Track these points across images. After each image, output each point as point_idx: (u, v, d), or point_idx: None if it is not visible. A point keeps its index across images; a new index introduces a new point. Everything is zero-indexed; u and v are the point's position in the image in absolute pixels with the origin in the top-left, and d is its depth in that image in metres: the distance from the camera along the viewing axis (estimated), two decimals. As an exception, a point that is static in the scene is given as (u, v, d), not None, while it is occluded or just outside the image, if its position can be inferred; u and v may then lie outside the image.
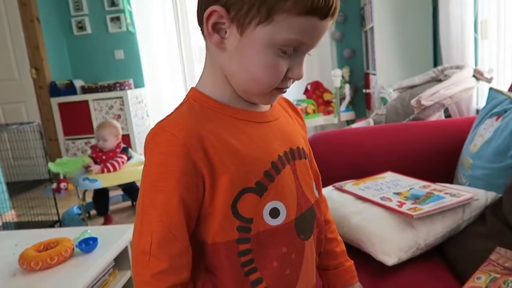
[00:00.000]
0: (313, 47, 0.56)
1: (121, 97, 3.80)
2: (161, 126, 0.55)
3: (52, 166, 2.45)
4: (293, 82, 0.58)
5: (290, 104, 0.69)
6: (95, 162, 2.54)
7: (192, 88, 0.60)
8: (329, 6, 0.51)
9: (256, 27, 0.52)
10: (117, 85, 3.87)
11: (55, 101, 3.89)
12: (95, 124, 3.85)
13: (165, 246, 0.53)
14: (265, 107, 0.62)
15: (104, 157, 2.55)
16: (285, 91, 0.59)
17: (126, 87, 3.90)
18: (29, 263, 1.12)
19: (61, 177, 2.47)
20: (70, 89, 3.96)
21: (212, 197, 0.55)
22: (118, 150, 2.60)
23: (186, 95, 0.61)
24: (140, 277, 0.54)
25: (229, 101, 0.58)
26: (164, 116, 0.58)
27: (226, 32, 0.54)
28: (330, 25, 0.55)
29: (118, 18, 4.05)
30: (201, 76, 0.61)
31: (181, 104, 0.59)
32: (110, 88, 3.87)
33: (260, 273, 0.58)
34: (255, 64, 0.54)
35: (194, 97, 0.59)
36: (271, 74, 0.54)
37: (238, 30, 0.53)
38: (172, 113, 0.58)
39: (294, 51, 0.54)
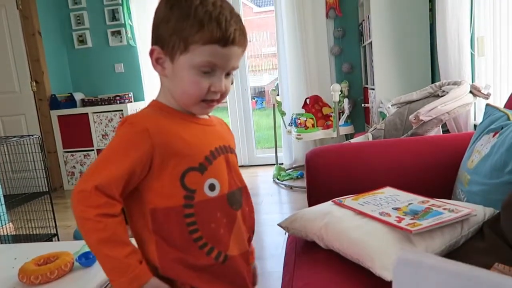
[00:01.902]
0: (229, 68, 0.77)
1: (121, 110, 3.82)
2: (132, 117, 0.77)
3: None
4: (221, 96, 0.79)
5: (226, 124, 0.94)
6: None
7: (153, 100, 0.83)
8: (227, 36, 0.73)
9: (180, 56, 0.75)
10: (117, 98, 3.89)
11: (55, 114, 3.91)
12: (94, 137, 3.87)
13: (103, 190, 0.70)
14: (205, 117, 0.85)
15: None
16: (214, 104, 0.80)
17: (126, 100, 3.93)
18: (29, 277, 1.12)
19: None
20: (70, 102, 3.98)
21: (160, 172, 0.74)
22: None
23: (148, 104, 0.83)
24: (81, 208, 0.70)
25: (179, 109, 0.80)
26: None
27: (164, 63, 0.77)
28: (238, 50, 0.76)
29: (119, 32, 4.09)
30: (159, 92, 0.83)
31: (145, 108, 0.82)
32: (110, 101, 3.89)
33: (201, 233, 0.77)
34: (184, 82, 0.76)
35: (155, 105, 0.82)
36: (196, 89, 0.76)
37: (170, 60, 0.76)
38: (140, 111, 0.80)
39: (213, 71, 0.76)
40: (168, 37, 0.74)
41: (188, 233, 0.76)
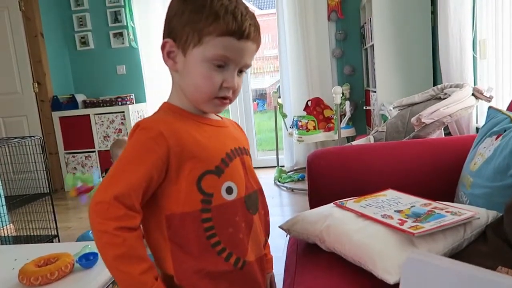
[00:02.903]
0: (242, 64, 0.75)
1: (123, 112, 3.83)
2: (145, 122, 0.74)
3: (69, 180, 2.17)
4: (233, 94, 0.77)
5: (238, 125, 0.93)
6: None
7: (164, 102, 0.81)
8: (242, 30, 0.71)
9: (193, 49, 0.73)
10: (119, 99, 3.89)
11: (56, 115, 3.91)
12: (96, 138, 3.87)
13: (121, 200, 0.68)
14: (217, 118, 0.84)
15: None
16: (227, 102, 0.78)
17: (128, 102, 3.93)
18: (29, 278, 1.11)
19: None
20: (72, 103, 3.99)
21: (177, 176, 0.72)
22: None
23: (160, 107, 0.81)
24: (99, 220, 0.68)
25: (191, 110, 0.79)
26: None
27: (176, 56, 0.75)
28: (252, 46, 0.75)
29: (121, 34, 4.10)
30: (170, 93, 0.81)
31: (157, 111, 0.80)
32: (111, 102, 3.90)
33: (219, 237, 0.75)
34: (196, 76, 0.74)
35: (167, 107, 0.80)
36: (208, 84, 0.74)
37: (183, 53, 0.74)
38: (153, 115, 0.78)
39: (226, 65, 0.74)
40: (181, 29, 0.73)
41: (206, 239, 0.74)
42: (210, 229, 0.74)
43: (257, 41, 0.76)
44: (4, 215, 2.55)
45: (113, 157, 2.27)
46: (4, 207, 2.61)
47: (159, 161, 0.70)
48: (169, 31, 0.75)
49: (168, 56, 0.76)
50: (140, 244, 0.70)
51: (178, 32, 0.73)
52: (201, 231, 0.73)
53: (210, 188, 0.74)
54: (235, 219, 0.77)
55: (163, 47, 0.75)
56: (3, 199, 2.65)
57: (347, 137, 3.56)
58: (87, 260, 1.22)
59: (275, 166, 3.88)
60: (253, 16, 0.74)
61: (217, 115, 0.85)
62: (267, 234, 0.89)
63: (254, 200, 0.82)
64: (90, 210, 0.69)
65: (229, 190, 0.76)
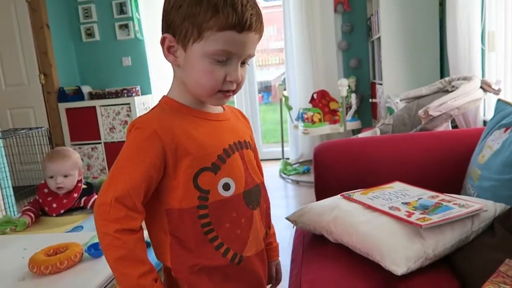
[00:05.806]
0: (245, 56, 0.73)
1: (128, 104, 3.83)
2: (140, 121, 0.74)
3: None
4: (237, 86, 0.75)
5: (242, 113, 0.91)
6: (43, 213, 1.71)
7: (164, 96, 0.80)
8: (243, 22, 0.68)
9: (193, 44, 0.70)
10: (125, 91, 3.90)
11: (62, 107, 3.92)
12: (102, 130, 3.88)
13: (122, 201, 0.69)
14: (218, 110, 0.81)
15: (54, 205, 1.68)
16: (230, 95, 0.76)
17: (133, 94, 3.93)
18: (39, 267, 1.13)
19: None
20: (78, 95, 4.00)
21: (175, 173, 0.72)
22: (75, 194, 1.71)
23: (158, 102, 0.79)
24: (101, 222, 0.69)
25: (190, 104, 0.77)
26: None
27: (177, 51, 0.73)
28: (254, 37, 0.72)
29: (126, 26, 4.09)
30: (171, 86, 0.80)
31: (154, 107, 0.79)
32: (117, 94, 3.90)
33: (216, 233, 0.75)
34: (197, 72, 0.72)
35: (165, 102, 0.78)
36: (210, 79, 0.72)
37: (183, 49, 0.72)
38: (148, 112, 0.77)
39: (228, 60, 0.71)
40: (180, 24, 0.70)
41: (203, 234, 0.74)
42: (207, 225, 0.74)
43: (259, 30, 0.72)
44: (12, 206, 2.58)
45: (44, 170, 1.75)
46: (12, 197, 2.64)
47: (156, 160, 0.71)
48: (167, 25, 0.72)
49: (168, 51, 0.74)
50: (141, 246, 0.71)
51: (177, 27, 0.70)
52: (199, 226, 0.74)
53: (207, 185, 0.74)
54: (232, 215, 0.76)
55: (162, 42, 0.73)
56: (11, 189, 2.68)
57: (352, 130, 3.56)
58: (96, 250, 1.23)
59: (280, 159, 3.89)
60: (254, 4, 0.71)
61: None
62: (267, 226, 0.88)
63: (255, 195, 0.81)
64: (94, 211, 0.71)
65: (226, 187, 0.76)
